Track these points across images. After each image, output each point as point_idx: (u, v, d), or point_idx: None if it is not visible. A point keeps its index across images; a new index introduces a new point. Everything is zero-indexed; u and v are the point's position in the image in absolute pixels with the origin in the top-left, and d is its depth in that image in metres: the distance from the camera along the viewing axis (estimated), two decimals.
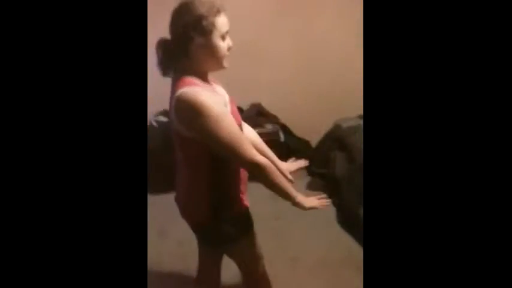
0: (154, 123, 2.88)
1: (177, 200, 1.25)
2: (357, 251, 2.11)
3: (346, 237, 2.25)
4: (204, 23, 1.01)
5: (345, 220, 2.38)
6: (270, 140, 2.87)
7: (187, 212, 1.22)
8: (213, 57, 1.06)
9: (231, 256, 1.30)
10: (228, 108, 1.11)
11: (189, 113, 0.99)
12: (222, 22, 1.04)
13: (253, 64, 3.02)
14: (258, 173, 1.06)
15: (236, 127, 1.05)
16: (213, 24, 1.02)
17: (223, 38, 1.05)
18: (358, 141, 2.39)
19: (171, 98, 1.05)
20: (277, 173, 1.11)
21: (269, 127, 2.93)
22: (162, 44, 1.07)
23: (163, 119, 2.90)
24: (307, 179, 3.01)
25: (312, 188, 2.88)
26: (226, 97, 1.17)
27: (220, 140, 1.00)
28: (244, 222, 1.23)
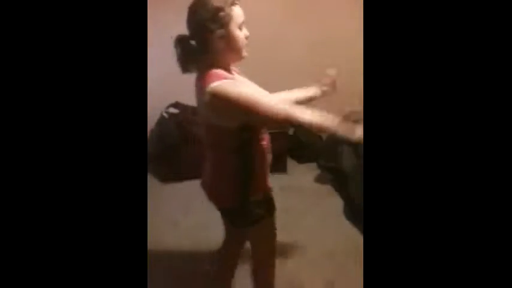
0: (165, 115, 2.95)
1: (203, 184, 1.31)
2: (362, 243, 2.15)
3: (352, 230, 2.29)
4: (222, 14, 1.05)
5: (352, 213, 2.41)
6: (279, 133, 2.92)
7: (214, 196, 1.28)
8: (234, 47, 1.11)
9: (254, 237, 1.35)
10: None
11: (228, 105, 1.05)
12: (237, 12, 1.09)
13: (265, 58, 3.04)
14: (293, 121, 1.12)
15: (264, 97, 1.12)
16: (230, 15, 1.06)
17: (240, 28, 1.10)
18: None
19: (200, 92, 1.10)
20: (307, 112, 1.14)
21: None
22: (181, 41, 1.11)
23: (173, 110, 2.97)
24: (316, 172, 3.04)
25: (320, 181, 2.92)
26: None
27: (256, 108, 1.06)
28: (269, 204, 1.29)
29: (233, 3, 1.08)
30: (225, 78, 1.08)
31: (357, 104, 2.87)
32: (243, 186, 1.19)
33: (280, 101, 1.19)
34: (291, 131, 3.00)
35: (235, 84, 1.08)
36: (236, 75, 1.21)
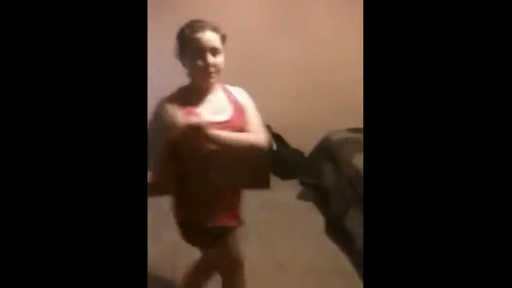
0: None
1: None
2: (342, 260, 2.18)
3: (332, 246, 2.32)
4: (184, 42, 1.13)
5: (332, 230, 2.45)
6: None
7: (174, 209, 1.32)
8: (194, 69, 1.14)
9: (215, 261, 1.39)
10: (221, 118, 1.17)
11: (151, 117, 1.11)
12: (205, 39, 1.10)
13: (248, 75, 3.11)
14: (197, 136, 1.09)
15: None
16: (193, 43, 1.10)
17: (203, 51, 1.10)
18: (346, 153, 2.47)
19: None
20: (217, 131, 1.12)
21: None
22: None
23: None
24: (298, 188, 3.08)
25: (303, 198, 2.95)
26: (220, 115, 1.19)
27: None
28: (214, 237, 1.26)
29: (202, 30, 1.11)
30: (177, 96, 1.16)
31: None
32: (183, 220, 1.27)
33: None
34: (274, 147, 3.06)
35: (169, 103, 1.14)
36: (211, 99, 1.21)
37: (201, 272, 1.51)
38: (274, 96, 3.25)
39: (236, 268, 1.41)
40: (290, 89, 3.32)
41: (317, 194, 2.85)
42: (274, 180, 3.22)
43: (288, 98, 3.33)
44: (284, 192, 3.05)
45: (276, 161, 3.22)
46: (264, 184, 3.05)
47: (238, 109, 1.23)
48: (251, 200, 2.23)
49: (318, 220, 2.63)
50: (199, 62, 1.11)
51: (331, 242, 2.37)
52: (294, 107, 3.33)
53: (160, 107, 1.13)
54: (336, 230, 2.41)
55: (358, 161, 2.29)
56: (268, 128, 3.17)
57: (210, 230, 1.23)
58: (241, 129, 1.19)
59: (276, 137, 3.22)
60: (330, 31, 3.21)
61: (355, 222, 2.13)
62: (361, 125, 2.95)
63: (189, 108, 1.14)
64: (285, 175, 3.28)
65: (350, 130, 2.83)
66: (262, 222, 2.53)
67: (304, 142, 3.21)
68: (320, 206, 2.77)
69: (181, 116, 1.09)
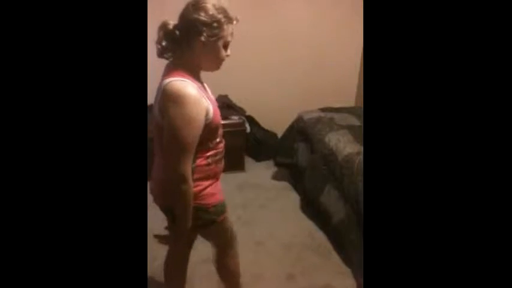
0: None
1: (150, 185, 1.29)
2: (318, 236, 2.26)
3: (308, 223, 2.39)
4: (216, 24, 1.07)
5: (308, 207, 2.52)
6: (237, 131, 2.99)
7: (160, 198, 1.27)
8: (212, 58, 1.13)
9: (206, 236, 1.39)
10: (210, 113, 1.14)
11: (171, 102, 1.04)
12: (230, 31, 1.12)
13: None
14: (176, 186, 1.08)
15: (195, 136, 1.08)
16: (222, 30, 1.09)
17: (226, 45, 1.13)
18: (318, 132, 2.52)
19: (159, 86, 1.10)
20: (188, 206, 1.14)
21: (235, 118, 3.01)
22: (166, 26, 1.12)
23: None
24: (273, 169, 3.13)
25: (277, 178, 3.01)
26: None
27: (174, 137, 1.05)
28: (215, 212, 1.28)
29: (230, 21, 1.11)
30: (187, 79, 1.08)
31: None
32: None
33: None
34: (248, 129, 3.07)
35: (190, 85, 1.07)
36: (205, 84, 1.23)
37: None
38: (247, 79, 3.24)
39: (232, 240, 1.43)
40: (262, 71, 3.32)
41: (292, 173, 2.91)
42: (249, 162, 3.25)
43: (261, 80, 3.33)
44: (259, 173, 3.09)
45: (250, 143, 3.24)
46: (239, 167, 3.08)
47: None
48: (228, 183, 2.26)
49: (294, 198, 2.69)
50: (223, 53, 1.14)
51: (307, 218, 2.44)
52: (267, 89, 3.34)
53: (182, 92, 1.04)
54: (311, 207, 2.48)
55: (331, 139, 2.35)
56: (242, 110, 3.18)
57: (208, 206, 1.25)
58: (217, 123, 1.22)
59: (249, 119, 3.23)
60: (302, 10, 3.21)
61: (330, 198, 2.20)
62: (331, 104, 3.02)
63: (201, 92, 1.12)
64: (259, 156, 3.32)
65: (322, 110, 2.88)
66: (240, 204, 2.57)
67: (277, 123, 3.24)
68: (295, 185, 2.84)
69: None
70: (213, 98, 1.24)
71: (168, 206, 1.25)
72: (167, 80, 1.07)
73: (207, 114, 1.11)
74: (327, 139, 2.38)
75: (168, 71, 1.12)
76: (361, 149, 2.11)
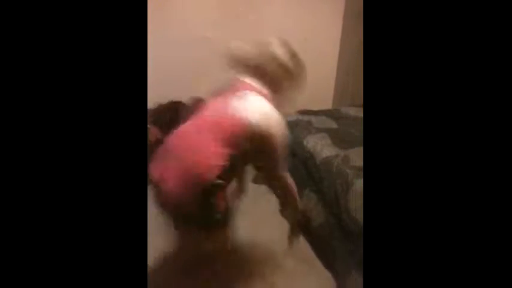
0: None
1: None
2: (299, 241, 2.25)
3: (287, 226, 2.38)
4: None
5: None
6: None
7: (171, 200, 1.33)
8: None
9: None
10: None
11: None
12: None
13: (199, 58, 3.04)
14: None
15: None
16: None
17: None
18: (298, 135, 2.52)
19: None
20: None
21: None
22: None
23: None
24: (253, 173, 3.10)
25: (258, 181, 2.98)
26: None
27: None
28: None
29: None
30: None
31: None
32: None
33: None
34: None
35: None
36: None
37: None
38: (223, 80, 3.21)
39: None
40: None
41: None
42: None
43: None
44: None
45: None
46: None
47: None
48: None
49: (274, 202, 2.67)
50: None
51: (287, 223, 2.43)
52: None
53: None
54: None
55: (310, 142, 2.35)
56: None
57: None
58: None
59: None
60: (280, 15, 3.21)
61: (309, 202, 2.20)
62: (309, 107, 3.03)
63: None
64: None
65: (300, 112, 2.88)
66: None
67: None
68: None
69: None
70: None
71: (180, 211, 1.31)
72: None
73: None
74: (305, 142, 2.38)
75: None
76: (339, 152, 2.12)
